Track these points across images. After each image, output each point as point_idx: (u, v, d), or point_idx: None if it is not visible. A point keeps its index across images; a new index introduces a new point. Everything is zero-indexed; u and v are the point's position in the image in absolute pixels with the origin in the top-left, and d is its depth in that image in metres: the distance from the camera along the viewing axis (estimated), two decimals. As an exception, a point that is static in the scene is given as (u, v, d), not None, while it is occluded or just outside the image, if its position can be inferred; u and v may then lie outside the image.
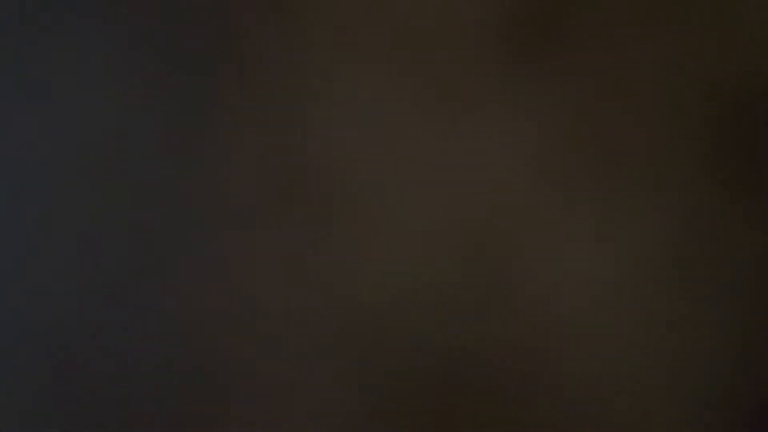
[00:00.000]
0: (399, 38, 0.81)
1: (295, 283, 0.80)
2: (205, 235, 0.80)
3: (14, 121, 0.80)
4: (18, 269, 0.79)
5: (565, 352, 0.80)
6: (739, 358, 0.81)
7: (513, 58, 0.82)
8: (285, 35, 0.81)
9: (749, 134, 0.82)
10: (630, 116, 0.82)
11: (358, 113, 0.81)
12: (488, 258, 0.80)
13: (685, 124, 0.82)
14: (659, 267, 0.81)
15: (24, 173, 0.80)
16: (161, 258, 0.79)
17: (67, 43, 0.81)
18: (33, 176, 0.80)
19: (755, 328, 0.81)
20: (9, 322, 0.79)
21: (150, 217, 0.80)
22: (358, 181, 0.81)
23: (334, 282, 0.80)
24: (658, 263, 0.81)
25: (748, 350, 0.80)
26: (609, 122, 0.82)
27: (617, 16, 0.82)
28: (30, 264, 0.79)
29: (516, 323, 0.80)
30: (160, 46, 0.81)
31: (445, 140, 0.81)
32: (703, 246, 0.81)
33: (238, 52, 0.81)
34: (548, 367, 0.80)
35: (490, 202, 0.81)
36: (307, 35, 0.81)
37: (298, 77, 0.81)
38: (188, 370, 0.79)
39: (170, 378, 0.79)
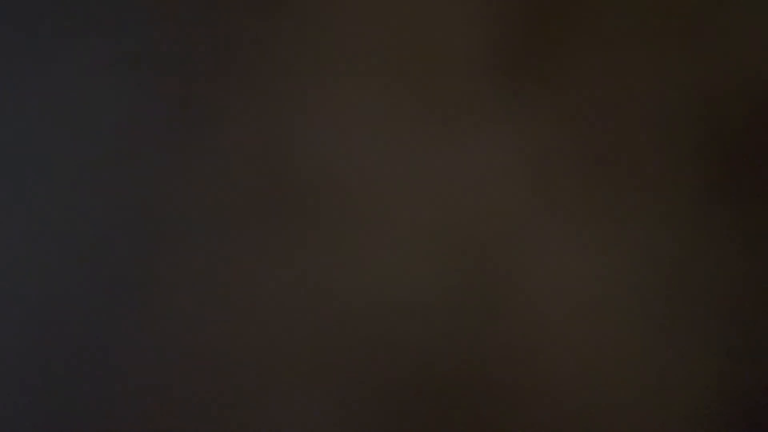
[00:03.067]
0: (397, 47, 0.82)
1: (290, 288, 0.80)
2: (198, 237, 0.80)
3: (14, 122, 0.80)
4: (17, 269, 0.79)
5: (561, 360, 0.80)
6: (735, 365, 0.81)
7: (509, 68, 0.82)
8: (281, 41, 0.81)
9: (748, 147, 0.82)
10: (625, 128, 0.82)
11: (354, 120, 0.81)
12: (483, 266, 0.80)
13: (682, 137, 0.82)
14: (655, 276, 0.81)
15: (24, 173, 0.80)
16: (157, 258, 0.79)
17: (67, 44, 0.81)
18: (33, 177, 0.80)
19: (751, 337, 0.81)
20: (8, 322, 0.79)
21: (146, 219, 0.80)
22: (353, 187, 0.81)
23: (328, 288, 0.80)
24: (653, 272, 0.81)
25: (744, 358, 0.81)
26: (604, 133, 0.82)
27: (613, 29, 0.82)
28: (29, 264, 0.79)
29: (512, 331, 0.80)
30: (156, 49, 0.81)
31: (440, 148, 0.81)
32: (698, 256, 0.81)
33: (232, 56, 0.81)
34: (544, 375, 0.80)
35: (484, 211, 0.81)
36: (304, 41, 0.81)
37: (293, 83, 0.81)
38: (183, 370, 0.79)
39: (165, 377, 0.79)
